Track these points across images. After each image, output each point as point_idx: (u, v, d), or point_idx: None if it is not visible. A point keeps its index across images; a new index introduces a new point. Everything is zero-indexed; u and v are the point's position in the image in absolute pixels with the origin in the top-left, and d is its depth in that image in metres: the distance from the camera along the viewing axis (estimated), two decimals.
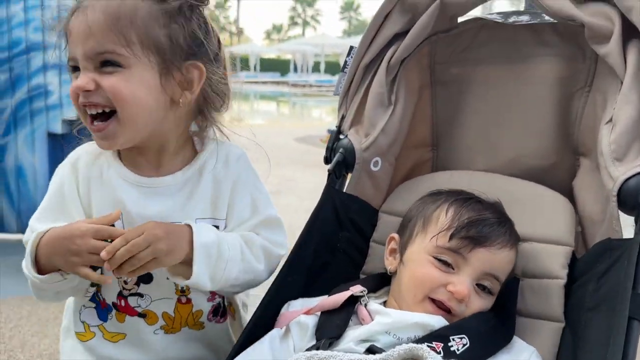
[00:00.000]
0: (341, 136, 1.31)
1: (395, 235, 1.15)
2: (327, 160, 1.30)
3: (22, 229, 3.85)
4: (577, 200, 1.19)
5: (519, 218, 1.16)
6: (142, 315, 1.09)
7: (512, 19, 1.23)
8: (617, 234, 0.99)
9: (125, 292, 1.08)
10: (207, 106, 1.08)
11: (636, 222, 0.96)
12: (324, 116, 17.13)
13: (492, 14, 1.27)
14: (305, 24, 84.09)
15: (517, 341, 1.04)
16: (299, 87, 29.37)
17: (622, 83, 1.03)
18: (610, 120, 1.02)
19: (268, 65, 43.83)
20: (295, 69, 36.05)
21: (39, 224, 1.04)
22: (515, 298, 1.09)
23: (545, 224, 1.15)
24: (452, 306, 1.01)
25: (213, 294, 1.14)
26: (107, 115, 0.98)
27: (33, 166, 3.77)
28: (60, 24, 1.01)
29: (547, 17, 1.18)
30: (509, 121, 1.27)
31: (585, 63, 1.18)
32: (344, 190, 1.29)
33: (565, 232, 1.13)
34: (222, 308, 1.18)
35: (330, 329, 1.02)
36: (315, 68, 37.58)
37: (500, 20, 1.24)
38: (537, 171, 1.25)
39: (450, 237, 1.03)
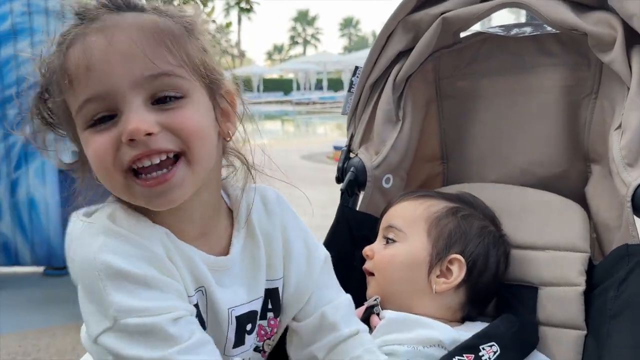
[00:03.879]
0: (351, 155, 1.32)
1: None
2: (338, 179, 1.31)
3: (36, 262, 3.87)
4: (590, 207, 1.19)
5: (533, 227, 1.16)
6: None
7: (514, 32, 1.25)
8: (635, 240, 0.99)
9: None
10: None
11: None
12: (328, 133, 17.17)
13: (494, 27, 1.28)
14: (306, 42, 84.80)
15: (536, 353, 1.04)
16: (303, 105, 29.51)
17: (628, 89, 1.04)
18: (620, 126, 1.03)
19: (271, 85, 44.18)
20: (298, 88, 36.26)
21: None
22: (534, 306, 1.10)
23: (559, 231, 1.15)
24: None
25: None
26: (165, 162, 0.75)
27: (45, 198, 3.80)
28: (43, 64, 0.78)
29: (549, 28, 1.20)
30: (517, 131, 1.28)
31: (590, 71, 1.19)
32: (357, 209, 1.30)
33: (580, 238, 1.13)
34: None
35: None
36: (318, 85, 37.83)
37: (502, 33, 1.25)
38: (548, 180, 1.25)
39: None
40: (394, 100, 1.28)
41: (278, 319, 0.96)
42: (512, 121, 1.29)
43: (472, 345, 0.95)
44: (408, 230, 1.10)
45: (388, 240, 1.12)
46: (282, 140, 15.15)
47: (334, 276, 1.01)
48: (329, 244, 1.23)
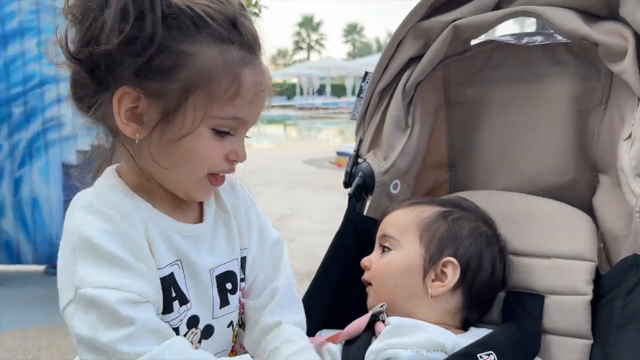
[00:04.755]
0: (360, 160, 1.33)
1: None
2: (346, 184, 1.31)
3: (38, 261, 3.88)
4: (597, 217, 1.19)
5: (540, 235, 1.17)
6: None
7: (524, 40, 1.25)
8: None
9: None
10: None
11: None
12: (331, 138, 17.19)
13: (505, 35, 1.29)
14: (310, 48, 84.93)
15: None
16: (306, 110, 29.52)
17: (639, 99, 1.04)
18: (630, 136, 1.03)
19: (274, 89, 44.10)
20: (302, 93, 36.32)
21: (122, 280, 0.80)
22: (539, 315, 1.10)
23: (566, 240, 1.15)
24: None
25: None
26: None
27: (48, 197, 3.80)
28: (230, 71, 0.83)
29: (559, 37, 1.20)
30: (526, 140, 1.29)
31: (600, 81, 1.19)
32: (365, 214, 1.30)
33: (587, 247, 1.13)
34: None
35: (352, 356, 1.03)
36: (321, 91, 37.86)
37: (513, 42, 1.26)
38: (556, 188, 1.25)
39: None
40: (404, 107, 1.29)
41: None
42: (520, 129, 1.29)
43: (469, 353, 0.95)
44: (401, 238, 1.11)
45: (384, 249, 1.14)
46: (285, 145, 15.17)
47: (284, 260, 1.07)
48: (335, 247, 1.23)
